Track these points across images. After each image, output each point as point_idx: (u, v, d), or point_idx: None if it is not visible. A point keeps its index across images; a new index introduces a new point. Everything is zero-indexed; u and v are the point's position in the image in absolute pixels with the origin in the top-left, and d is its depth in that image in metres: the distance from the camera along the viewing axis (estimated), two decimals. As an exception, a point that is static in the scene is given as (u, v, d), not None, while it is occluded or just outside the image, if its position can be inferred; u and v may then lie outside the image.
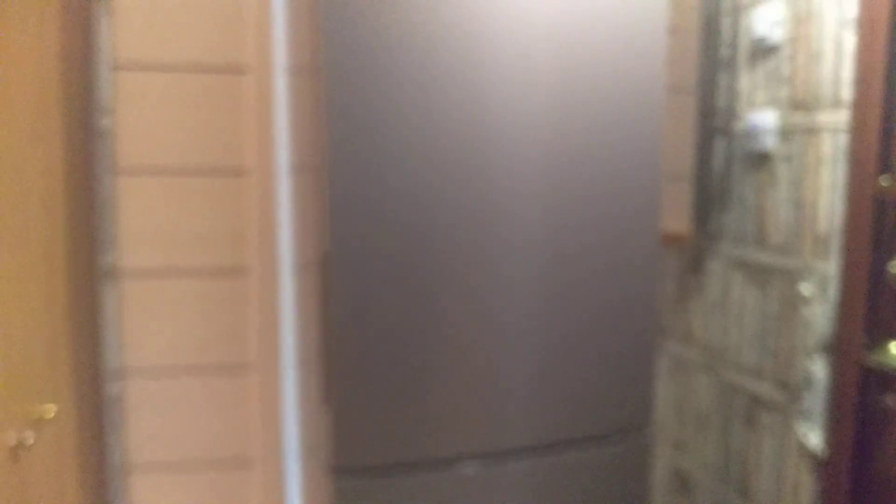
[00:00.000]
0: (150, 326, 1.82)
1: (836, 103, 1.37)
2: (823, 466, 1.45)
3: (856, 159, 1.37)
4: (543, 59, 1.27)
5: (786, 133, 1.46)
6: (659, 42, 1.31)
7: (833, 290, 1.42)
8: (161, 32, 1.99)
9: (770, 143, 1.50)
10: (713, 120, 1.67)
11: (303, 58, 1.50)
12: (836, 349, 1.43)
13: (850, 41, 1.35)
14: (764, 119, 1.51)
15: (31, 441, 0.96)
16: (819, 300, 1.44)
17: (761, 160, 1.54)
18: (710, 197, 1.71)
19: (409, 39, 1.21)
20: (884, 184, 1.32)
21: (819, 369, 1.45)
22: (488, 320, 1.30)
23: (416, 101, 1.22)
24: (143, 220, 2.08)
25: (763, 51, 1.51)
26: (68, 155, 1.21)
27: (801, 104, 1.41)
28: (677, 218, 1.82)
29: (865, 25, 1.33)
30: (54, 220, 1.14)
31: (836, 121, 1.38)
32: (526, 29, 1.25)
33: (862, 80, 1.34)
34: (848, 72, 1.36)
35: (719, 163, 1.68)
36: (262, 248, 2.10)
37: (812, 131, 1.39)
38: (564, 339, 1.35)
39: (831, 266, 1.42)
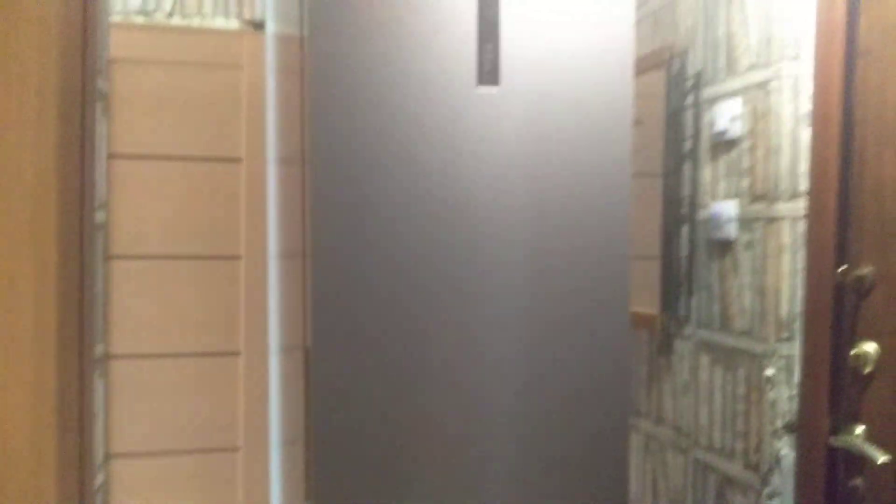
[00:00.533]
0: (139, 410, 1.82)
1: (795, 194, 1.46)
2: (798, 552, 1.44)
3: (814, 246, 1.45)
4: (518, 147, 1.32)
5: (747, 222, 1.54)
6: (625, 131, 1.38)
7: (798, 373, 1.46)
8: (156, 125, 2.03)
9: (732, 231, 1.57)
10: (679, 208, 1.75)
11: (291, 149, 1.54)
12: (802, 431, 1.45)
13: (805, 135, 1.45)
14: (726, 208, 1.59)
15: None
16: (784, 383, 1.47)
17: (724, 247, 1.61)
18: (677, 281, 1.77)
19: (390, 128, 1.25)
20: (842, 272, 1.39)
21: (787, 451, 1.47)
22: (467, 402, 1.29)
23: (395, 193, 1.25)
24: (134, 306, 2.08)
25: (724, 144, 1.60)
26: (62, 247, 1.19)
27: (760, 196, 1.50)
28: (648, 301, 1.86)
29: (819, 120, 1.43)
30: (46, 313, 1.11)
31: (795, 209, 1.46)
32: (502, 122, 1.31)
33: (817, 172, 1.43)
34: (805, 165, 1.46)
35: (685, 249, 1.75)
36: (248, 333, 2.12)
37: (772, 220, 1.47)
38: (540, 418, 1.34)
39: (795, 349, 1.47)
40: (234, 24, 2.19)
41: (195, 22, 2.17)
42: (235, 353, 2.07)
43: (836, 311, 1.42)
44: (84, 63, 1.28)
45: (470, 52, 1.26)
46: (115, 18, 2.11)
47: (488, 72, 1.27)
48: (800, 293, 1.48)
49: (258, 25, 2.19)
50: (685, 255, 1.74)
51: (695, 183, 1.71)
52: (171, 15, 2.15)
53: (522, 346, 1.33)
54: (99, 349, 1.34)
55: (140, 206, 2.08)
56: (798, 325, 1.48)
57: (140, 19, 2.13)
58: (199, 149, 2.14)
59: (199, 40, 2.15)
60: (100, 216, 1.35)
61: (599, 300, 1.38)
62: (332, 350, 1.22)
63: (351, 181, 1.23)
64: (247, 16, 2.20)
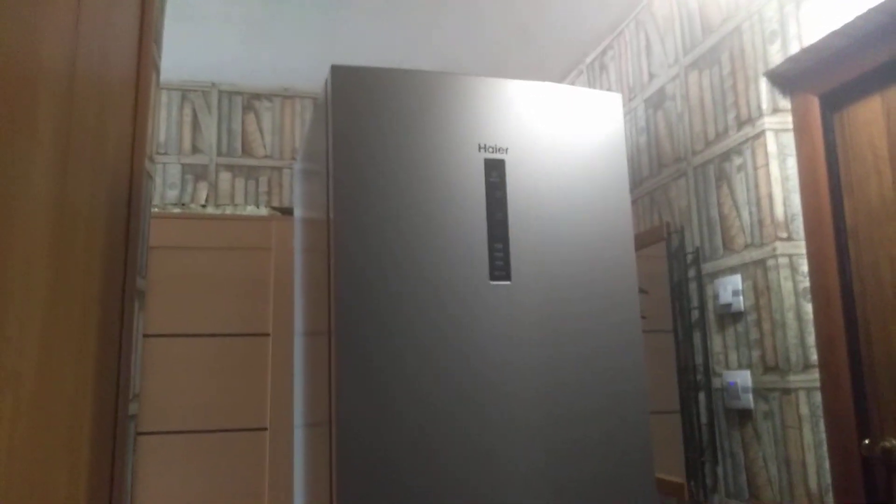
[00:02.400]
0: None
1: (807, 366, 1.49)
2: None
3: (834, 419, 1.46)
4: (532, 331, 1.39)
5: (762, 392, 1.56)
6: (633, 297, 1.46)
7: (837, 552, 1.41)
8: (191, 304, 2.14)
9: (749, 401, 1.59)
10: (694, 375, 1.78)
11: (317, 324, 1.61)
12: None
13: (809, 309, 1.51)
14: (740, 378, 1.61)
15: None
16: (824, 562, 1.42)
17: (743, 416, 1.62)
18: (700, 449, 1.75)
19: (408, 304, 1.33)
20: (867, 445, 1.39)
21: None
22: None
23: (415, 372, 1.31)
24: (160, 482, 2.10)
25: (730, 316, 1.66)
26: (94, 460, 1.24)
27: (772, 367, 1.53)
28: (674, 468, 1.84)
29: (820, 296, 1.49)
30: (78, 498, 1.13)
31: (809, 380, 1.49)
32: (515, 311, 1.39)
33: (825, 346, 1.48)
34: (812, 337, 1.50)
35: (704, 416, 1.75)
36: (272, 498, 2.10)
37: (787, 391, 1.49)
38: None
39: (830, 526, 1.43)
40: (263, 211, 2.36)
41: (228, 210, 2.34)
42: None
43: (867, 486, 1.40)
44: (125, 269, 1.39)
45: (482, 251, 1.37)
46: (154, 210, 2.29)
47: (499, 268, 1.37)
48: (826, 465, 1.47)
49: (285, 211, 2.37)
50: (705, 422, 1.74)
51: (707, 351, 1.75)
52: (204, 205, 2.34)
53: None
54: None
55: (167, 380, 2.14)
56: (830, 499, 1.45)
57: (176, 210, 2.31)
58: (230, 326, 2.23)
59: (231, 226, 2.32)
60: (133, 407, 1.41)
61: (626, 469, 1.38)
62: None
63: (374, 357, 1.28)
64: (275, 203, 2.38)
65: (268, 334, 2.28)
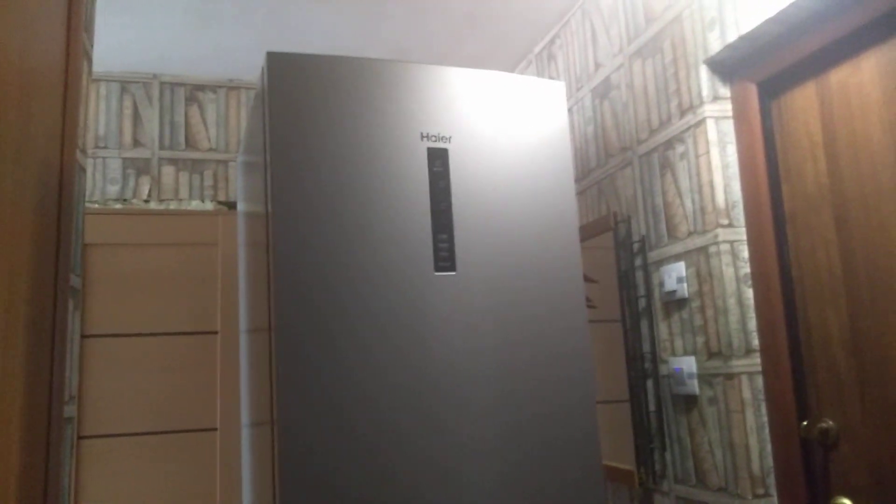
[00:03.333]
0: None
1: (749, 350, 1.52)
2: None
3: (775, 403, 1.48)
4: (478, 319, 1.38)
5: (706, 377, 1.58)
6: (578, 286, 1.46)
7: (778, 532, 1.44)
8: (133, 303, 2.07)
9: (694, 387, 1.61)
10: (642, 362, 1.80)
11: (259, 320, 1.58)
12: None
13: (750, 295, 1.53)
14: (685, 364, 1.63)
15: None
16: (767, 542, 1.45)
17: (689, 402, 1.64)
18: (649, 436, 1.77)
19: (350, 298, 1.30)
20: (805, 427, 1.42)
21: None
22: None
23: (359, 366, 1.28)
24: (105, 486, 2.03)
25: (675, 303, 1.68)
26: (26, 452, 1.18)
27: (716, 352, 1.55)
28: (624, 456, 1.85)
29: (760, 282, 1.52)
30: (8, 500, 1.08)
31: (751, 364, 1.51)
32: (461, 301, 1.37)
33: (766, 331, 1.50)
34: (754, 322, 1.53)
35: (652, 403, 1.77)
36: (223, 499, 2.06)
37: (730, 376, 1.52)
38: None
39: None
40: (209, 205, 2.30)
41: (172, 206, 2.28)
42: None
43: (806, 466, 1.43)
44: (57, 266, 1.33)
45: (426, 242, 1.35)
46: (93, 206, 2.21)
47: (444, 259, 1.35)
48: (769, 448, 1.49)
49: (232, 205, 2.31)
50: (653, 409, 1.76)
51: (653, 338, 1.76)
52: (147, 200, 2.27)
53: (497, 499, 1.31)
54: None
55: (112, 381, 2.08)
56: (772, 481, 1.48)
57: (117, 206, 2.23)
58: (176, 324, 2.17)
59: (175, 222, 2.25)
60: (69, 410, 1.36)
61: (574, 454, 1.38)
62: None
63: (316, 351, 1.26)
64: (221, 197, 2.33)
65: (216, 332, 2.23)
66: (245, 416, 1.83)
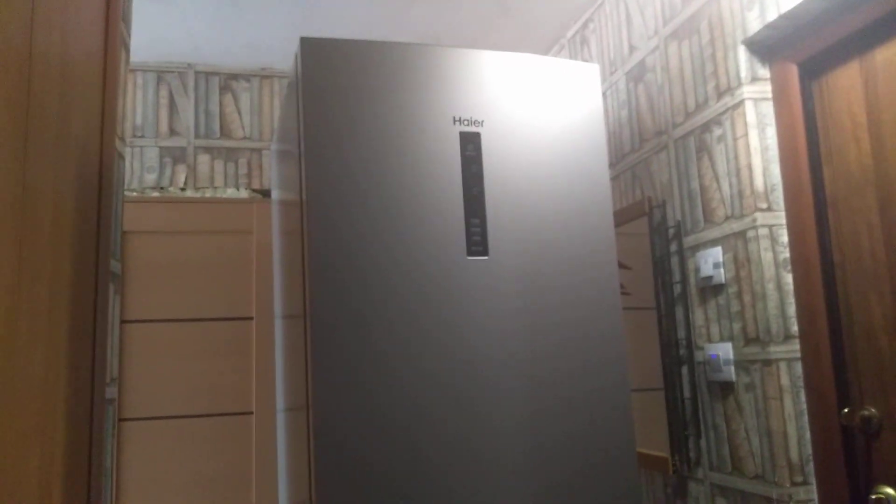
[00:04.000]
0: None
1: (788, 336, 1.49)
2: None
3: (814, 390, 1.45)
4: (512, 303, 1.38)
5: (744, 364, 1.55)
6: (612, 271, 1.44)
7: (818, 521, 1.42)
8: (172, 290, 2.12)
9: (731, 373, 1.59)
10: (677, 349, 1.78)
11: (294, 306, 1.60)
12: (833, 585, 1.39)
13: (789, 280, 1.50)
14: (722, 351, 1.61)
15: None
16: (806, 531, 1.43)
17: (725, 389, 1.62)
18: (683, 423, 1.75)
19: (384, 283, 1.31)
20: (846, 414, 1.39)
21: None
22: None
23: (394, 352, 1.29)
24: (147, 468, 2.09)
25: (711, 288, 1.65)
26: (71, 432, 1.22)
27: (754, 339, 1.52)
28: (658, 443, 1.84)
29: (799, 266, 1.48)
30: (51, 493, 1.12)
31: (790, 351, 1.48)
32: (495, 286, 1.37)
33: (806, 316, 1.47)
34: (793, 308, 1.50)
35: (687, 390, 1.75)
36: (259, 487, 2.11)
37: (768, 362, 1.49)
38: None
39: (813, 493, 1.43)
40: (244, 193, 2.33)
41: (208, 194, 2.32)
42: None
43: (847, 454, 1.40)
44: (98, 250, 1.36)
45: (459, 226, 1.35)
46: (131, 195, 2.26)
47: (477, 244, 1.35)
48: (808, 436, 1.47)
49: (266, 193, 2.34)
50: (688, 396, 1.74)
51: (689, 325, 1.74)
52: (184, 189, 2.31)
53: (532, 489, 1.31)
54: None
55: (151, 366, 2.13)
56: (811, 469, 1.46)
57: (155, 194, 2.27)
58: (213, 310, 2.22)
59: (211, 210, 2.29)
60: (111, 391, 1.39)
61: (606, 439, 1.38)
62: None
63: (350, 338, 1.27)
64: (255, 185, 2.36)
65: (251, 318, 2.26)
66: (280, 401, 1.86)
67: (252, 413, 2.24)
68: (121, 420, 2.13)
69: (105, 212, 1.37)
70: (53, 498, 1.13)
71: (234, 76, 2.38)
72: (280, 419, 1.89)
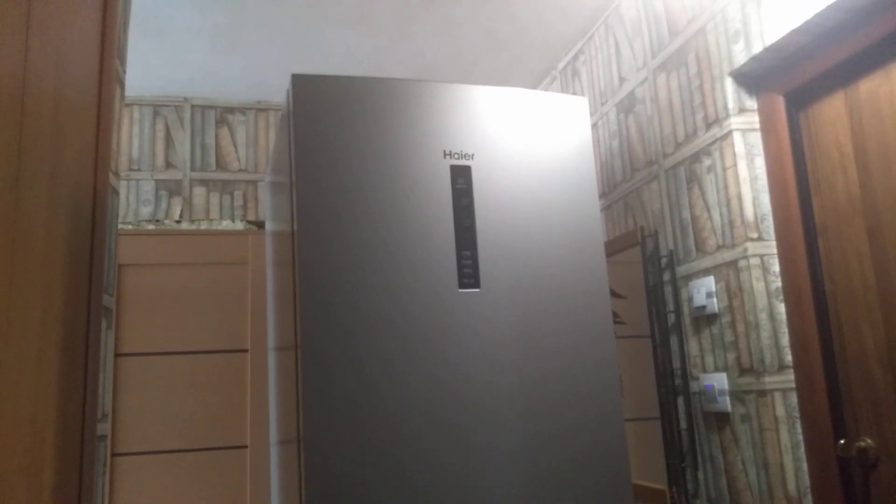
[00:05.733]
0: None
1: (782, 366, 1.48)
2: None
3: (810, 421, 1.44)
4: (504, 336, 1.37)
5: (738, 394, 1.55)
6: (604, 301, 1.44)
7: (817, 555, 1.40)
8: (166, 323, 2.12)
9: (726, 404, 1.58)
10: (672, 379, 1.77)
11: (286, 338, 1.59)
12: None
13: (782, 310, 1.50)
14: (717, 381, 1.60)
15: None
16: (805, 565, 1.40)
17: (721, 420, 1.60)
18: (680, 454, 1.74)
19: (375, 315, 1.31)
20: (842, 445, 1.37)
21: None
22: None
23: (385, 377, 1.28)
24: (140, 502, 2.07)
25: (705, 318, 1.65)
26: (60, 472, 1.21)
27: (748, 369, 1.52)
28: (655, 475, 1.82)
29: (791, 295, 1.48)
30: None
31: (784, 381, 1.48)
32: (486, 318, 1.37)
33: (799, 346, 1.46)
34: (786, 337, 1.49)
35: (683, 421, 1.74)
36: None
37: (763, 393, 1.48)
38: None
39: (810, 528, 1.42)
40: (239, 225, 2.34)
41: (203, 226, 2.32)
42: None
43: (845, 487, 1.39)
44: (90, 284, 1.36)
45: (450, 258, 1.35)
46: (127, 227, 2.27)
47: (468, 276, 1.35)
48: (804, 467, 1.45)
49: (261, 225, 2.35)
50: (685, 427, 1.73)
51: (683, 355, 1.73)
52: (179, 221, 2.31)
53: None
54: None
55: (145, 399, 2.12)
56: (809, 501, 1.44)
57: (150, 227, 2.28)
58: (207, 342, 2.21)
59: (206, 242, 2.29)
60: (102, 427, 1.38)
61: (601, 469, 1.36)
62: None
63: (342, 370, 1.26)
64: (251, 217, 2.36)
65: (246, 350, 2.25)
66: (273, 434, 1.84)
67: (247, 447, 2.21)
68: (114, 455, 2.11)
69: (98, 246, 1.37)
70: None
71: (230, 109, 2.40)
72: (273, 452, 1.88)
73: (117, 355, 2.16)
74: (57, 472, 1.19)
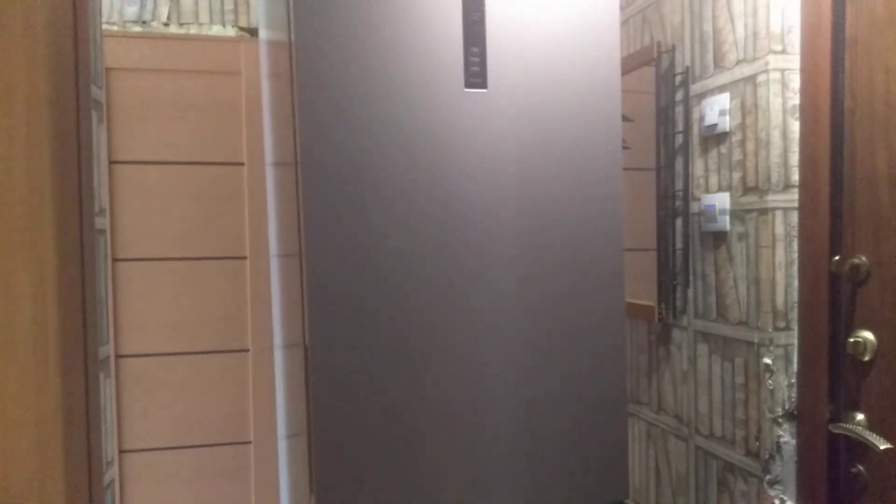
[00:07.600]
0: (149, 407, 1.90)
1: (787, 186, 1.47)
2: (798, 539, 1.46)
3: (807, 237, 1.46)
4: (508, 145, 1.34)
5: (739, 213, 1.55)
6: (615, 125, 1.40)
7: (796, 362, 1.47)
8: (157, 131, 2.05)
9: (725, 223, 1.59)
10: (673, 201, 1.77)
11: (286, 152, 1.56)
12: (802, 419, 1.47)
13: (795, 128, 1.46)
14: (718, 201, 1.60)
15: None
16: (783, 371, 1.49)
17: (718, 239, 1.62)
18: (673, 273, 1.78)
19: (379, 131, 1.27)
20: (836, 262, 1.40)
21: (787, 438, 1.48)
22: (465, 394, 1.31)
23: (386, 194, 1.27)
24: (142, 307, 2.14)
25: (714, 137, 1.62)
26: (61, 252, 1.21)
27: (752, 188, 1.51)
28: (646, 292, 1.88)
29: (808, 112, 1.44)
30: (46, 315, 1.13)
31: (787, 200, 1.47)
32: (492, 123, 1.32)
33: (808, 164, 1.45)
34: (796, 157, 1.47)
35: (679, 241, 1.76)
36: (255, 331, 2.17)
37: (764, 211, 1.48)
38: (540, 408, 1.36)
39: (793, 338, 1.48)
40: (230, 31, 2.21)
41: (192, 30, 2.19)
42: (244, 350, 2.13)
43: (832, 301, 1.43)
44: (77, 71, 1.29)
45: (457, 56, 1.28)
46: (112, 29, 2.13)
47: (475, 75, 1.28)
48: (795, 283, 1.49)
49: (254, 32, 2.21)
50: (680, 247, 1.75)
51: (687, 176, 1.72)
52: (167, 24, 2.18)
53: (520, 339, 1.34)
54: (105, 350, 1.36)
55: (144, 210, 2.12)
56: (795, 315, 1.49)
57: (136, 28, 2.15)
58: (202, 154, 2.17)
59: (197, 48, 2.17)
60: (100, 222, 1.38)
61: (596, 291, 1.40)
62: (329, 347, 1.24)
63: (343, 183, 1.25)
64: (242, 23, 2.23)
65: (243, 164, 2.22)
66: (278, 339, 1.86)
67: (246, 258, 2.25)
68: (115, 260, 2.14)
69: (82, 35, 1.28)
70: (48, 327, 1.14)
71: None
72: (278, 356, 1.91)
73: (111, 163, 2.12)
74: (59, 263, 1.19)
